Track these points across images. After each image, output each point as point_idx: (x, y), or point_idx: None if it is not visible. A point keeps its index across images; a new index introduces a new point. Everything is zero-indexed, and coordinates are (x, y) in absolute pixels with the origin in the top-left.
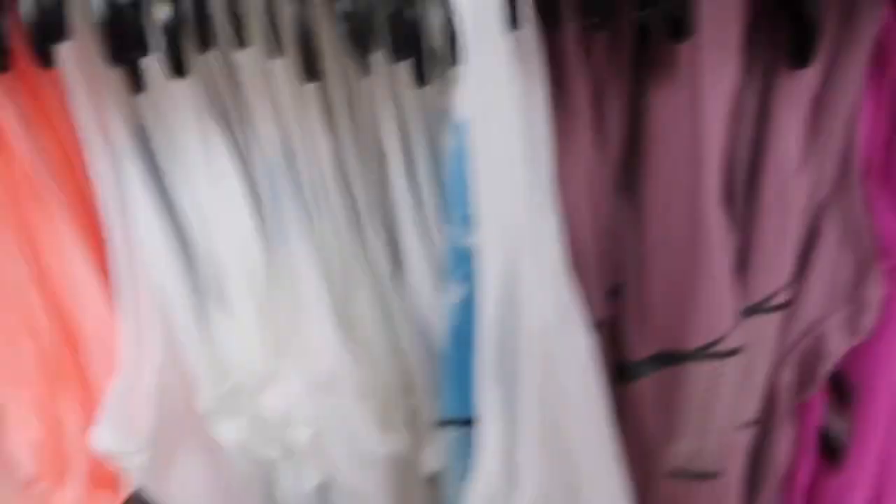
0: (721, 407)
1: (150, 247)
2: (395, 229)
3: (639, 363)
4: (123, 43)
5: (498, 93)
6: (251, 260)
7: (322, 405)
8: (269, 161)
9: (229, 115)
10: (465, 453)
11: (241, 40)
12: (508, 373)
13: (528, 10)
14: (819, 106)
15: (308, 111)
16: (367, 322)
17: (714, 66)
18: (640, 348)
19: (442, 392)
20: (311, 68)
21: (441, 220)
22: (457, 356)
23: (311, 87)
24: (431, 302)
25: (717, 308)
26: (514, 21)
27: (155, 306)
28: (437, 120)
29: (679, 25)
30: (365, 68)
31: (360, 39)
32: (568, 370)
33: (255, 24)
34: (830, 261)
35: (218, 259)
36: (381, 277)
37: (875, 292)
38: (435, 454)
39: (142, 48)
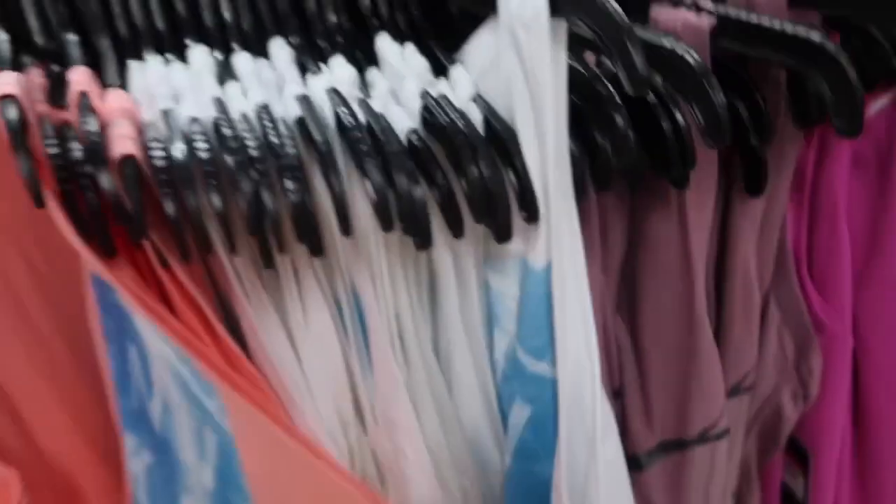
0: (717, 481)
1: None
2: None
3: (648, 453)
4: None
5: (573, 246)
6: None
7: None
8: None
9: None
10: None
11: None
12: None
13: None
14: (762, 217)
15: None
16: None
17: (699, 202)
18: (647, 440)
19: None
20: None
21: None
22: (523, 469)
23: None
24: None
25: (712, 397)
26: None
27: None
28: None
29: (679, 181)
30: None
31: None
32: (619, 479)
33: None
34: (777, 339)
35: None
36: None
37: (816, 363)
38: None
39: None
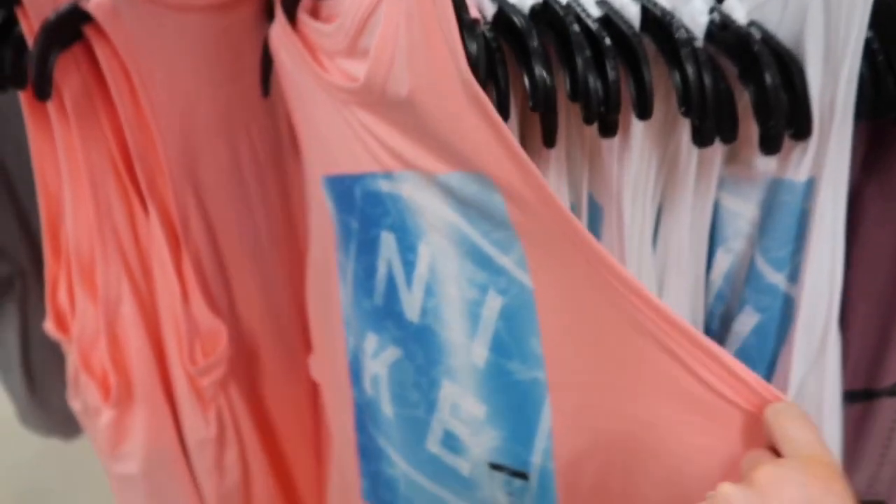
0: None
1: None
2: None
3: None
4: None
5: (839, 166)
6: None
7: None
8: None
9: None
10: None
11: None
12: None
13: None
14: None
15: None
16: None
17: None
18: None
19: None
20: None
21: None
22: None
23: None
24: None
25: None
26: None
27: None
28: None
29: None
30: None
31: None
32: (834, 406)
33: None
34: None
35: None
36: None
37: None
38: None
39: None
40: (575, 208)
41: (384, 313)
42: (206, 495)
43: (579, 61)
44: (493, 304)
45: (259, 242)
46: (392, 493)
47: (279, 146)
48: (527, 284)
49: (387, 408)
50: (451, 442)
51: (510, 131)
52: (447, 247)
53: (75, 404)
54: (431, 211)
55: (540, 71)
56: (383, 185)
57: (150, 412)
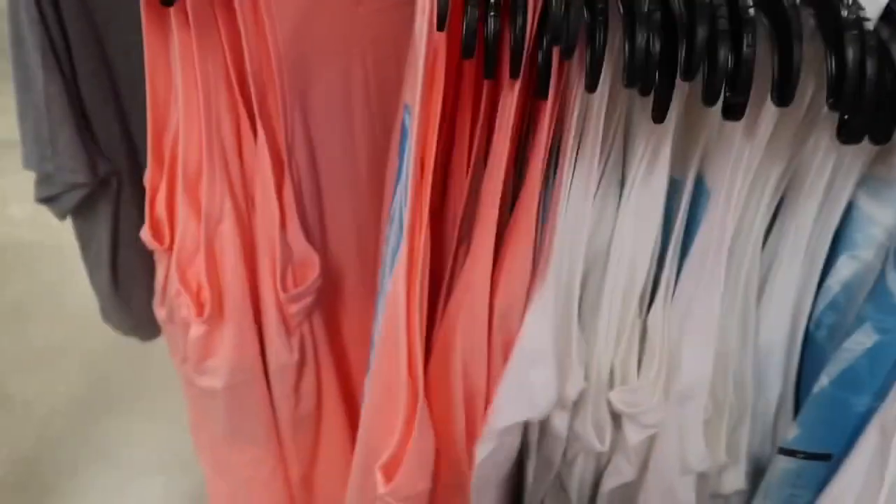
0: None
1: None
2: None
3: None
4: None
5: None
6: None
7: (670, 413)
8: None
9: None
10: (805, 483)
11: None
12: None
13: None
14: None
15: None
16: (732, 344)
17: None
18: None
19: (803, 424)
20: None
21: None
22: (839, 396)
23: None
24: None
25: None
26: None
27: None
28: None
29: None
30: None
31: None
32: None
33: None
34: None
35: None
36: (749, 306)
37: None
38: (738, 476)
39: None
40: (677, 184)
41: None
42: (280, 418)
43: (700, 31)
44: None
45: (358, 178)
46: None
47: (391, 82)
48: None
49: None
50: None
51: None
52: None
53: (160, 312)
54: None
55: (642, 38)
56: None
57: (238, 332)
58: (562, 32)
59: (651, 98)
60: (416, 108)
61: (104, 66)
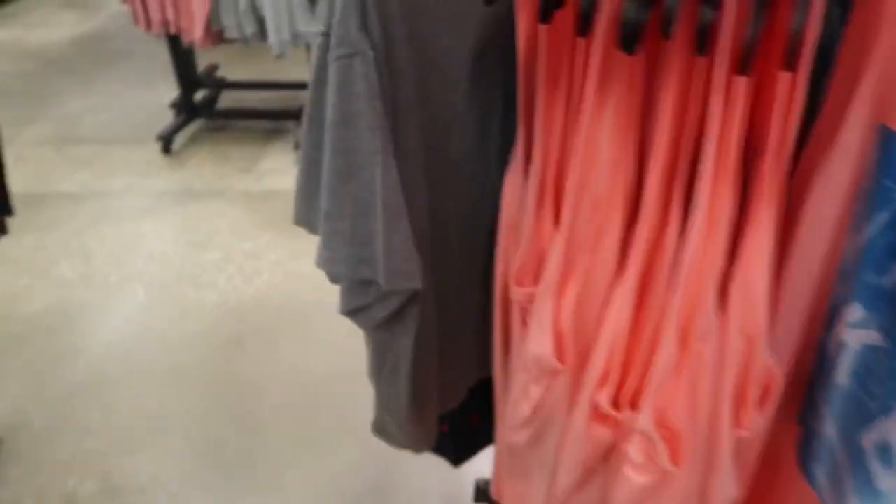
0: None
1: None
2: None
3: None
4: None
5: None
6: None
7: None
8: None
9: None
10: None
11: None
12: None
13: None
14: None
15: None
16: None
17: None
18: None
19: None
20: None
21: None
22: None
23: None
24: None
25: None
26: None
27: None
28: None
29: None
30: None
31: None
32: None
33: None
34: None
35: None
36: None
37: None
38: None
39: None
40: None
41: (886, 297)
42: None
43: None
44: None
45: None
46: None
47: None
48: None
49: (843, 378)
50: (884, 453)
51: None
52: None
53: (520, 434)
54: None
55: None
56: None
57: (689, 480)
58: None
59: None
60: None
61: (422, 147)
